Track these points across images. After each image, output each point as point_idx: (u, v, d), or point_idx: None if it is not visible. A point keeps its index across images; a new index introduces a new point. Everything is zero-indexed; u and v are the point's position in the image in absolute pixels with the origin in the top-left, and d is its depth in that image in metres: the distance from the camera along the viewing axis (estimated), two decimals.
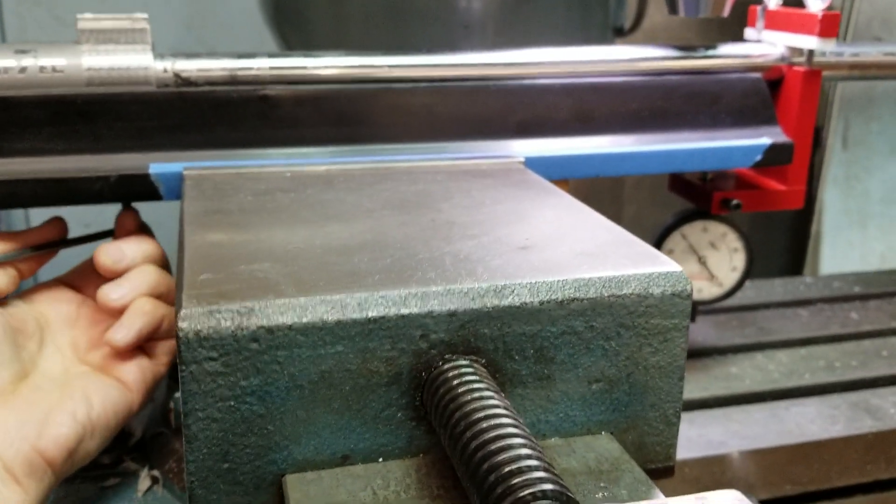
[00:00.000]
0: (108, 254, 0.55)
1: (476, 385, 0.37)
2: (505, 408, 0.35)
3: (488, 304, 0.39)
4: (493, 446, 0.32)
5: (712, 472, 0.69)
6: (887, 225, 1.45)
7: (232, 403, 0.37)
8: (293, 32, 1.18)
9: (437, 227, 0.48)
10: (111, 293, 0.54)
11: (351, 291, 0.38)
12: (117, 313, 0.54)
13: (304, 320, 0.37)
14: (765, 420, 0.77)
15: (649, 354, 0.43)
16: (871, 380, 0.85)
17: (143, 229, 0.61)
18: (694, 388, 0.82)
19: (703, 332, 0.94)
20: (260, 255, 0.43)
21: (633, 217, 1.52)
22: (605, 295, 0.41)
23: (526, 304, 0.40)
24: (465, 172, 0.61)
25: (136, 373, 0.55)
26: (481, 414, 0.34)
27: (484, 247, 0.45)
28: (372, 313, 0.38)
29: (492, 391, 0.37)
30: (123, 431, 0.64)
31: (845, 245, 1.44)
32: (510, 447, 0.32)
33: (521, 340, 0.40)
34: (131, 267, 0.56)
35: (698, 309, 0.84)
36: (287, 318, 0.37)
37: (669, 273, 0.42)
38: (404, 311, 0.38)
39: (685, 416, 0.77)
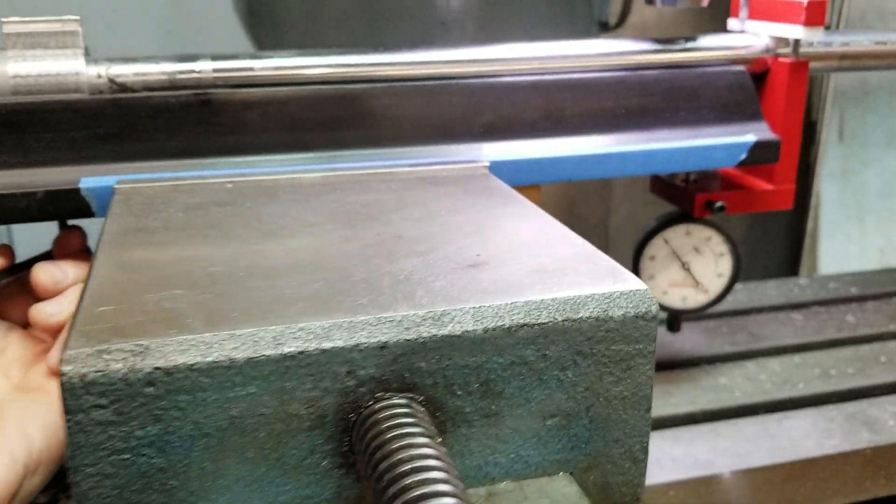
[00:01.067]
0: (50, 272, 0.52)
1: (407, 430, 0.32)
2: (437, 458, 0.31)
3: (424, 334, 0.35)
4: None
5: (699, 495, 0.65)
6: (886, 219, 1.41)
7: (127, 457, 0.32)
8: (266, 34, 1.14)
9: (381, 243, 0.44)
10: (47, 308, 0.50)
11: (266, 324, 0.34)
12: (53, 332, 0.50)
13: (209, 359, 0.32)
14: (756, 435, 0.72)
15: (611, 384, 0.38)
16: (868, 388, 0.81)
17: (86, 251, 0.57)
18: (680, 400, 0.77)
19: (691, 339, 0.90)
20: (174, 281, 0.38)
21: (626, 217, 1.47)
22: (560, 319, 0.36)
23: (468, 332, 0.35)
24: (422, 180, 0.57)
25: None
26: (407, 466, 0.30)
27: (429, 265, 0.41)
28: (289, 349, 0.33)
29: (426, 436, 0.32)
30: (61, 467, 0.60)
31: (843, 240, 1.39)
32: None
33: (463, 374, 0.36)
34: (69, 287, 0.52)
35: (683, 316, 0.79)
36: (188, 358, 0.32)
37: (632, 292, 0.38)
38: (327, 344, 0.34)
39: (670, 433, 0.72)
